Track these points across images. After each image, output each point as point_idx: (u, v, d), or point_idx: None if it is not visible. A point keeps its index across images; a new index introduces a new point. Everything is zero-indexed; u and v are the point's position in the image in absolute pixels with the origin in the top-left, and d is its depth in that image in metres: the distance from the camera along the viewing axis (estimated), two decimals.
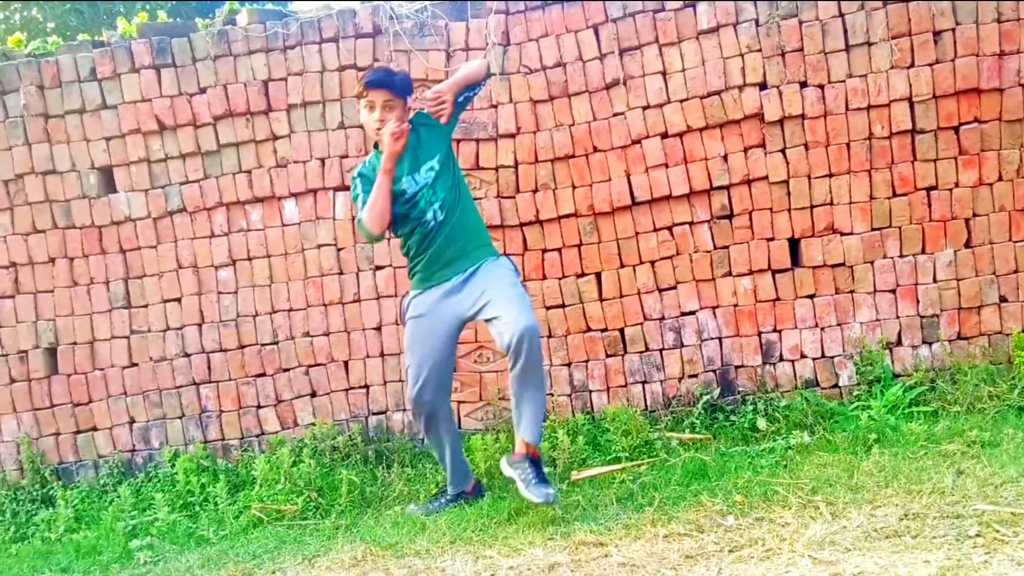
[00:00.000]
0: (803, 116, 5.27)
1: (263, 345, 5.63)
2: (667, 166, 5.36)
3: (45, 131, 5.62)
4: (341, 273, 5.58)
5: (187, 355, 5.65)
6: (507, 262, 4.46)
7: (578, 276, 5.47)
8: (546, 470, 4.45)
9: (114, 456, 5.66)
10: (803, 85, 5.27)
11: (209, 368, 5.65)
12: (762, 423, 5.12)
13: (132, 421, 5.68)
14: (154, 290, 5.65)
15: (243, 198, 5.60)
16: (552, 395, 5.42)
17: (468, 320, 4.38)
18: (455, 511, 4.55)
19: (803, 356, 5.36)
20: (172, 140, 5.60)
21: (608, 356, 5.48)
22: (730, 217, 5.39)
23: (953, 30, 5.16)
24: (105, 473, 5.61)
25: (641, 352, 5.46)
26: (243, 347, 5.65)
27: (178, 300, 5.66)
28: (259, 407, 5.65)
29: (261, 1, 12.24)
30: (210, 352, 5.65)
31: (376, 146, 4.34)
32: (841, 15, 5.21)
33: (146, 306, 5.67)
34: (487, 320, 4.26)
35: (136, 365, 5.68)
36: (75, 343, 5.68)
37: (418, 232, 4.31)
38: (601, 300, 5.47)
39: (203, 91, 5.58)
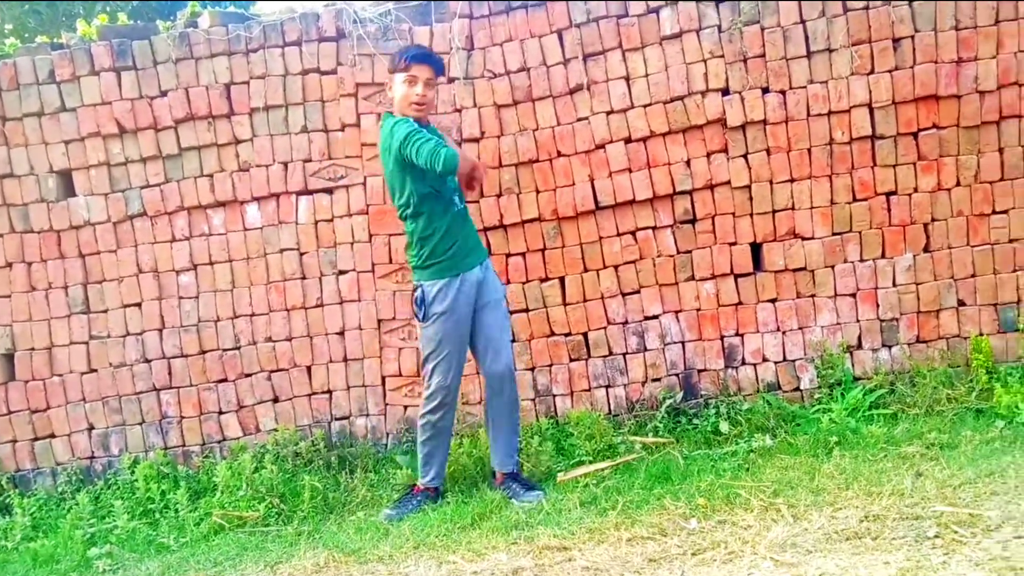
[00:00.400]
0: (765, 122, 5.31)
1: (225, 350, 5.58)
2: (631, 171, 5.38)
3: (2, 134, 5.54)
4: (304, 278, 5.54)
5: (147, 360, 5.59)
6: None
7: (542, 280, 5.47)
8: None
9: (72, 463, 5.58)
10: (765, 91, 5.31)
11: (170, 373, 5.59)
12: (724, 426, 5.15)
13: (91, 428, 5.61)
14: (114, 295, 5.59)
15: (205, 202, 5.54)
16: None
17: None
18: (418, 516, 4.54)
19: (765, 360, 5.40)
20: (132, 143, 5.53)
21: (572, 360, 5.49)
22: (693, 222, 5.41)
23: (912, 37, 5.21)
24: (63, 480, 5.53)
25: (605, 356, 5.47)
26: (204, 352, 5.59)
27: (138, 305, 5.59)
28: (220, 413, 5.59)
29: (223, 3, 12.18)
30: (171, 357, 5.59)
31: (390, 113, 4.53)
32: (802, 21, 5.25)
33: (106, 311, 5.60)
34: (472, 337, 4.63)
35: (95, 371, 5.60)
36: (33, 349, 5.60)
37: (448, 215, 4.45)
38: (565, 304, 5.47)
39: (164, 94, 5.51)
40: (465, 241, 4.52)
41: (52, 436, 5.63)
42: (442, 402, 4.57)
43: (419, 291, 4.52)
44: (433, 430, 4.65)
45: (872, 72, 5.24)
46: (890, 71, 5.23)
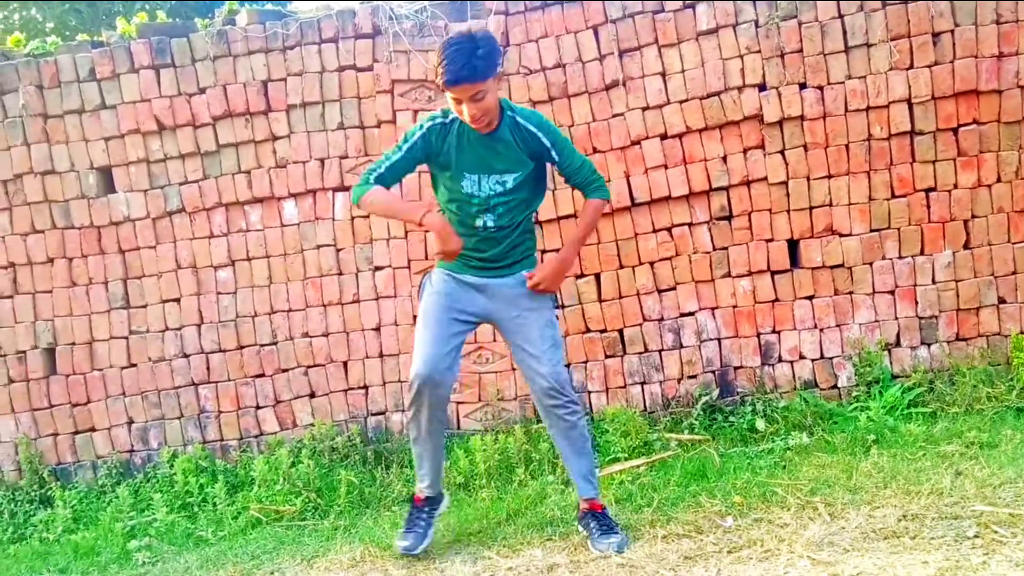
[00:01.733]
0: (802, 117, 5.27)
1: (262, 346, 5.63)
2: (666, 167, 5.36)
3: (44, 131, 5.61)
4: (340, 274, 5.58)
5: (186, 355, 5.65)
6: None
7: (577, 277, 5.47)
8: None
9: (112, 456, 5.65)
10: (802, 86, 5.27)
11: (208, 368, 5.65)
12: (761, 424, 5.13)
13: (131, 422, 5.68)
14: (153, 290, 5.65)
15: (242, 198, 5.59)
16: None
17: (493, 323, 4.08)
18: (455, 511, 4.55)
19: (802, 357, 5.37)
20: (171, 140, 5.59)
21: (607, 357, 5.49)
22: (729, 218, 5.39)
23: (952, 32, 5.16)
24: (103, 474, 5.60)
25: (640, 353, 5.46)
26: (242, 348, 5.64)
27: (177, 300, 5.65)
28: (258, 408, 5.65)
29: (260, 1, 12.26)
30: (209, 353, 5.65)
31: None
32: (840, 16, 5.21)
33: (145, 306, 5.66)
34: (515, 350, 4.02)
35: (135, 365, 5.67)
36: (73, 343, 5.68)
37: (459, 224, 3.89)
38: (600, 301, 5.47)
39: (202, 91, 5.57)
40: (481, 260, 3.94)
41: (92, 430, 5.70)
42: (415, 395, 3.87)
43: (426, 272, 4.13)
44: (412, 428, 4.02)
45: (911, 67, 5.19)
46: (929, 66, 5.18)
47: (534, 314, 3.96)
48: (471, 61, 3.54)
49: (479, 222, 3.86)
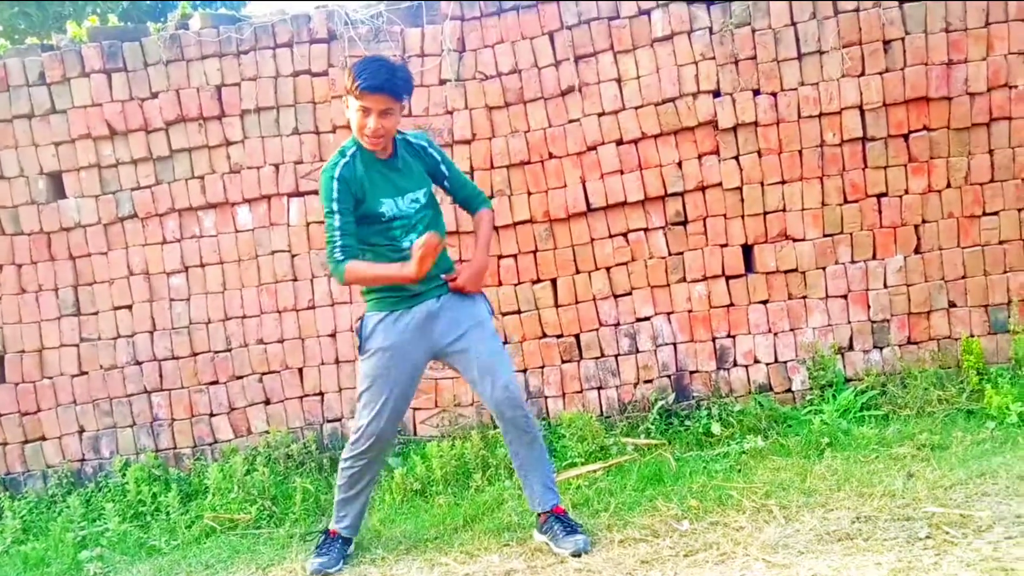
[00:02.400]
0: (756, 123, 5.32)
1: (216, 352, 5.58)
2: (622, 172, 5.38)
3: None
4: (295, 280, 5.54)
5: (138, 363, 5.58)
6: (483, 297, 4.11)
7: (534, 282, 5.48)
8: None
9: (63, 466, 5.56)
10: (756, 93, 5.32)
11: (161, 376, 5.58)
12: (716, 428, 5.15)
13: (82, 430, 5.60)
14: (104, 297, 5.58)
15: (196, 204, 5.54)
16: None
17: (440, 356, 4.02)
18: (412, 517, 4.54)
19: (756, 361, 5.40)
20: (123, 145, 5.52)
21: (564, 362, 5.49)
22: (684, 223, 5.42)
23: (903, 39, 5.23)
24: (54, 483, 5.52)
25: (596, 358, 5.47)
26: (196, 354, 5.58)
27: (129, 307, 5.58)
28: (212, 415, 5.59)
29: (214, 5, 12.17)
30: (162, 360, 5.58)
31: (354, 141, 3.86)
32: (793, 23, 5.26)
33: (96, 313, 5.59)
34: (465, 373, 4.00)
35: (86, 373, 5.60)
36: (23, 351, 5.59)
37: (388, 253, 3.87)
38: (557, 306, 5.48)
39: (155, 96, 5.51)
40: (413, 285, 3.84)
41: (43, 439, 5.62)
42: (366, 449, 3.94)
43: (362, 321, 3.99)
44: (351, 478, 4.05)
45: (863, 74, 5.25)
46: (880, 73, 5.24)
47: (478, 329, 3.95)
48: (393, 77, 3.65)
49: (406, 243, 3.84)
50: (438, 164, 4.01)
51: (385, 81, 3.62)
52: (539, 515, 4.04)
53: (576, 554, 3.78)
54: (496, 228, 5.37)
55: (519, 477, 4.12)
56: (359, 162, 3.83)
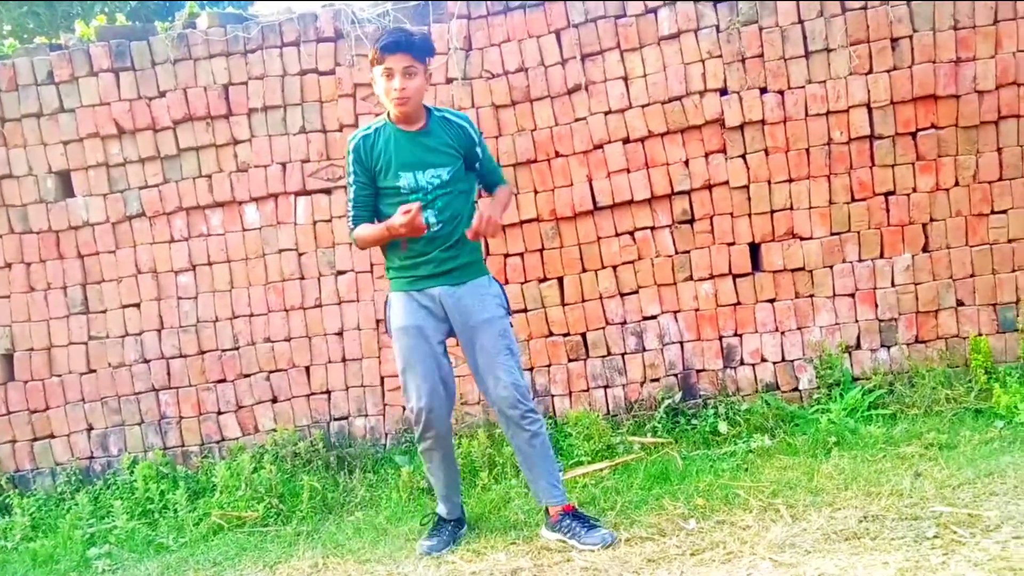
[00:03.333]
0: (763, 122, 5.31)
1: (223, 351, 5.59)
2: (629, 171, 5.38)
3: (1, 135, 5.55)
4: (302, 278, 5.55)
5: (146, 361, 5.60)
6: (498, 289, 4.15)
7: (540, 281, 5.48)
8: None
9: (71, 463, 5.59)
10: (763, 91, 5.31)
11: (169, 374, 5.60)
12: (723, 427, 5.15)
13: (90, 428, 5.62)
14: (113, 295, 5.60)
15: (203, 202, 5.55)
16: None
17: (454, 337, 4.09)
18: (419, 515, 4.55)
19: (764, 360, 5.40)
20: (131, 144, 5.54)
21: (570, 360, 5.49)
22: (691, 222, 5.41)
23: (911, 37, 5.21)
24: (62, 481, 5.54)
25: (603, 356, 5.47)
26: (203, 353, 5.60)
27: (137, 305, 5.60)
28: (219, 413, 5.60)
29: (221, 4, 12.18)
30: (170, 358, 5.60)
31: (388, 115, 3.97)
32: (801, 21, 5.25)
33: (104, 312, 5.60)
34: (471, 366, 4.09)
35: (94, 371, 5.61)
36: (32, 349, 5.61)
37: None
38: (563, 304, 5.47)
39: (163, 95, 5.52)
40: (425, 262, 3.95)
41: (51, 436, 5.64)
42: (422, 428, 4.01)
43: (386, 300, 4.15)
44: (426, 460, 4.17)
45: (870, 72, 5.24)
46: (888, 71, 5.23)
47: (487, 325, 4.00)
48: (411, 37, 3.83)
49: (430, 217, 3.90)
50: (475, 145, 4.08)
51: (403, 39, 3.78)
52: (550, 513, 4.08)
53: (605, 547, 3.84)
54: (503, 227, 5.33)
55: (524, 472, 4.19)
56: (383, 134, 3.96)
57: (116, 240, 5.59)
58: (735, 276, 5.40)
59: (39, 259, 5.59)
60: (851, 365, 5.35)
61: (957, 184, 5.28)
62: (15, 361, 5.63)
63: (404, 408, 5.31)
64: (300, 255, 5.55)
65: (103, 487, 5.48)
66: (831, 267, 5.34)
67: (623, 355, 5.47)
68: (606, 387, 5.47)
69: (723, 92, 5.34)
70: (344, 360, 5.55)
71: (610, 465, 4.88)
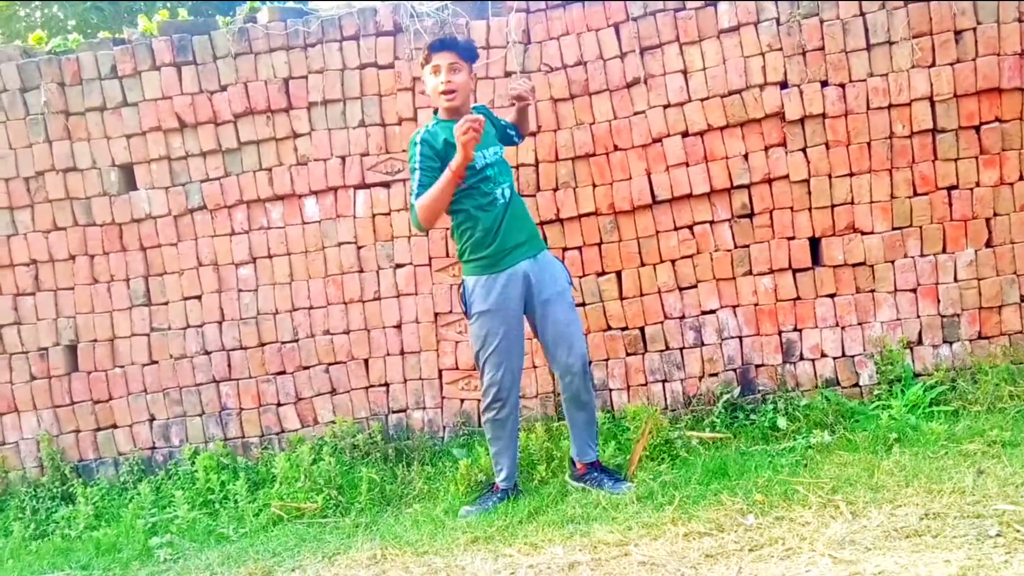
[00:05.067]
0: (824, 115, 5.26)
1: (283, 343, 5.64)
2: (688, 165, 5.36)
3: (66, 128, 5.63)
4: (361, 271, 5.59)
5: (207, 353, 5.67)
6: (563, 267, 4.65)
7: (599, 275, 5.48)
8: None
9: (134, 453, 5.67)
10: (824, 84, 5.26)
11: (229, 366, 5.67)
12: (782, 422, 5.12)
13: (152, 419, 5.70)
14: (174, 288, 5.67)
15: (263, 196, 5.60)
16: None
17: (527, 314, 4.52)
18: None
19: (823, 355, 5.36)
20: (192, 138, 5.61)
21: (628, 355, 5.49)
22: (751, 216, 5.38)
23: (974, 29, 5.15)
24: (125, 470, 5.63)
25: (661, 351, 5.46)
26: (263, 345, 5.66)
27: (198, 298, 5.67)
28: (279, 405, 5.66)
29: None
30: (230, 350, 5.66)
31: (436, 111, 4.46)
32: (862, 14, 5.20)
33: (166, 303, 5.68)
34: (540, 334, 4.53)
35: (156, 363, 5.70)
36: (95, 340, 5.70)
37: (488, 211, 4.33)
38: (621, 299, 5.47)
39: (224, 89, 5.58)
40: (507, 236, 4.36)
41: (114, 427, 5.72)
42: (495, 398, 4.45)
43: (463, 285, 4.50)
44: (493, 428, 4.56)
45: (933, 65, 5.18)
46: (951, 64, 5.17)
47: (560, 298, 4.46)
48: (455, 38, 4.41)
49: (498, 192, 4.37)
50: (504, 125, 4.74)
51: (448, 38, 4.38)
52: (578, 465, 4.67)
53: (624, 494, 4.41)
54: (561, 220, 5.48)
55: (569, 427, 4.72)
56: (439, 128, 4.30)
57: (178, 233, 5.66)
58: (795, 271, 5.37)
59: (102, 251, 5.68)
60: (912, 361, 5.30)
61: (1021, 178, 5.21)
62: (79, 352, 5.72)
63: (462, 401, 5.42)
64: (359, 248, 5.58)
65: (165, 477, 5.56)
66: (892, 262, 5.29)
67: (681, 350, 5.45)
68: (664, 382, 5.46)
69: (783, 85, 5.30)
70: (403, 353, 5.58)
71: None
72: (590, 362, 4.83)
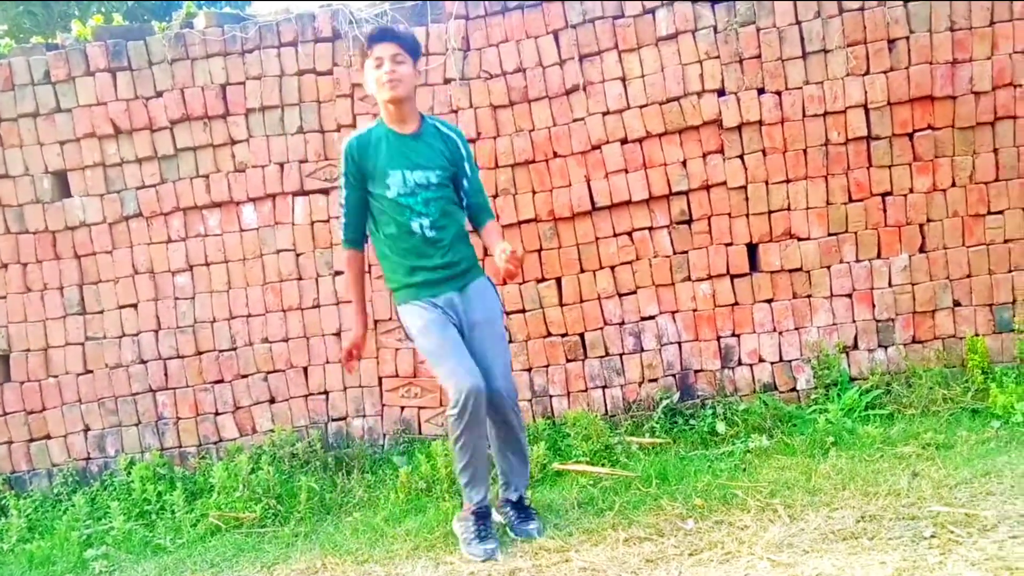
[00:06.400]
0: (760, 122, 5.32)
1: (221, 351, 5.58)
2: (627, 171, 5.38)
3: None
4: (300, 278, 5.54)
5: (143, 361, 5.59)
6: (495, 292, 4.20)
7: (538, 281, 5.48)
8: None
9: (68, 464, 5.57)
10: (760, 92, 5.32)
11: (166, 374, 5.59)
12: (721, 427, 5.15)
13: (87, 429, 5.61)
14: (109, 296, 5.58)
15: (200, 203, 5.54)
16: None
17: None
18: (417, 516, 4.54)
19: (761, 360, 5.41)
20: (128, 144, 5.53)
21: (568, 361, 5.49)
22: (689, 222, 5.42)
23: (907, 38, 5.23)
24: (59, 482, 5.53)
25: (601, 357, 5.47)
26: (200, 353, 5.59)
27: (134, 306, 5.59)
28: (217, 414, 5.60)
29: (219, 4, 12.16)
30: (167, 358, 5.59)
31: (382, 118, 4.03)
32: (798, 22, 5.26)
33: (101, 312, 5.59)
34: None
35: (91, 372, 5.60)
36: (28, 350, 5.60)
37: (402, 239, 3.97)
38: (561, 305, 5.48)
39: (160, 95, 5.51)
40: (423, 271, 4.00)
41: (48, 437, 5.62)
42: (468, 405, 3.81)
43: (399, 314, 4.17)
44: (467, 440, 3.93)
45: (867, 73, 5.26)
46: (885, 72, 5.25)
47: (488, 326, 4.09)
48: (398, 30, 4.01)
49: (415, 224, 3.95)
50: (463, 160, 4.10)
51: (390, 29, 4.00)
52: (499, 496, 4.30)
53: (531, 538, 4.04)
54: (501, 227, 5.35)
55: (497, 459, 4.25)
56: (376, 134, 4.01)
57: (113, 240, 5.57)
58: (733, 276, 5.41)
59: (36, 259, 5.58)
60: (848, 365, 5.36)
61: (954, 185, 5.30)
62: (12, 362, 5.62)
63: (402, 409, 5.39)
64: (298, 255, 5.54)
65: (100, 488, 5.46)
66: (828, 267, 5.36)
67: (621, 355, 5.47)
68: (604, 387, 5.48)
69: (721, 93, 5.34)
70: (342, 361, 5.52)
71: (608, 472, 4.81)
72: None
